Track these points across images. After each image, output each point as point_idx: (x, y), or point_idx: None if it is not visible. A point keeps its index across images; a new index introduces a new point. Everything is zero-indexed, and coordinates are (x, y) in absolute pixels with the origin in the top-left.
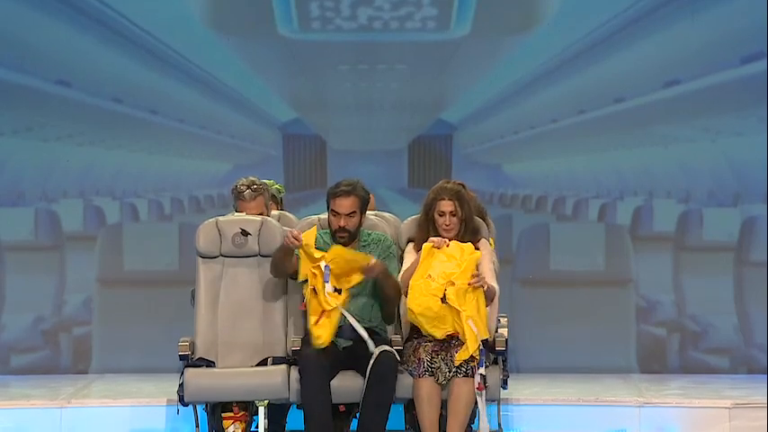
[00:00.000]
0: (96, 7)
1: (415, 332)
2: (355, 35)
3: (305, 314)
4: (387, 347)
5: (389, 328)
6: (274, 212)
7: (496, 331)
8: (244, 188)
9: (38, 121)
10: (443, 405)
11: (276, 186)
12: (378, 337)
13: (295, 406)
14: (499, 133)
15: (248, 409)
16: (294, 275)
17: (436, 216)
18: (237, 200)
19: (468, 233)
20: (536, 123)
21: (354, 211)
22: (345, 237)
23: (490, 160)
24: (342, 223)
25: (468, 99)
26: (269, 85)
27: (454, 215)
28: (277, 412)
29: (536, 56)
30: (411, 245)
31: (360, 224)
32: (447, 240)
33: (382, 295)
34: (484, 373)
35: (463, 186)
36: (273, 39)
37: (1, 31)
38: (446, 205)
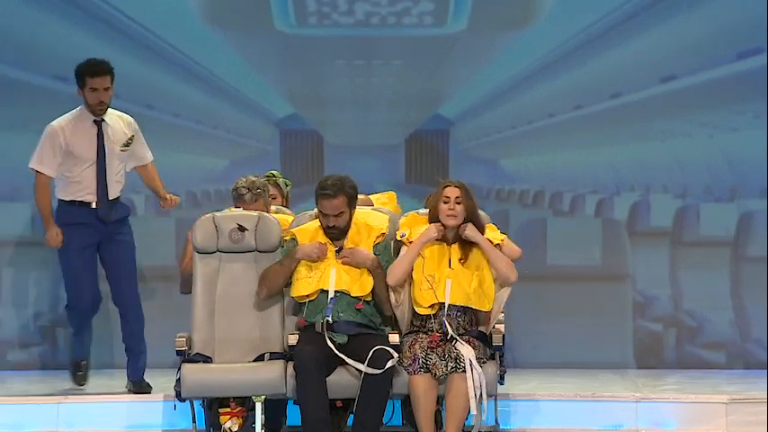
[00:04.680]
0: (92, 2)
1: (413, 328)
2: (352, 30)
3: (302, 310)
4: (382, 346)
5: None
6: (272, 207)
7: (493, 326)
8: (245, 191)
9: (34, 116)
10: (441, 400)
11: (283, 180)
12: (374, 334)
13: (292, 401)
14: (496, 128)
15: (245, 404)
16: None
17: (440, 205)
18: (238, 202)
19: (465, 245)
20: (533, 118)
21: (342, 211)
22: (336, 232)
23: (487, 155)
24: (330, 223)
25: (465, 94)
26: (266, 81)
27: (459, 203)
28: (274, 408)
29: (533, 51)
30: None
31: (350, 219)
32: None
33: (374, 290)
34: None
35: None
36: (270, 33)
37: None
38: (451, 191)
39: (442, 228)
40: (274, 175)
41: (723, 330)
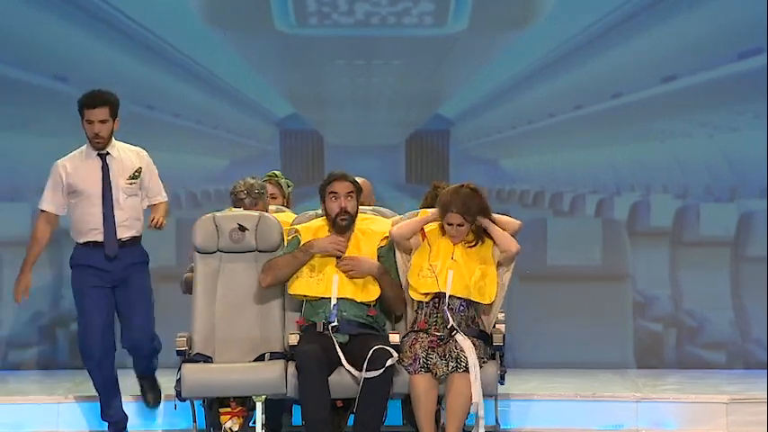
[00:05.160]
0: (92, 2)
1: (413, 327)
2: (352, 30)
3: (302, 309)
4: (383, 346)
5: (387, 324)
6: (271, 207)
7: (494, 326)
8: (243, 195)
9: (34, 116)
10: (441, 400)
11: (285, 180)
12: (375, 334)
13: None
14: (496, 128)
15: (246, 404)
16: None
17: (445, 225)
18: (237, 205)
19: (478, 234)
20: (533, 118)
21: (352, 192)
22: (347, 219)
23: (487, 155)
24: (343, 204)
25: (465, 94)
26: (266, 81)
27: (461, 226)
28: (275, 407)
29: (533, 51)
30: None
31: (357, 211)
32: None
33: (382, 295)
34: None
35: (475, 190)
36: (270, 34)
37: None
38: (453, 218)
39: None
40: (276, 176)
41: (723, 330)
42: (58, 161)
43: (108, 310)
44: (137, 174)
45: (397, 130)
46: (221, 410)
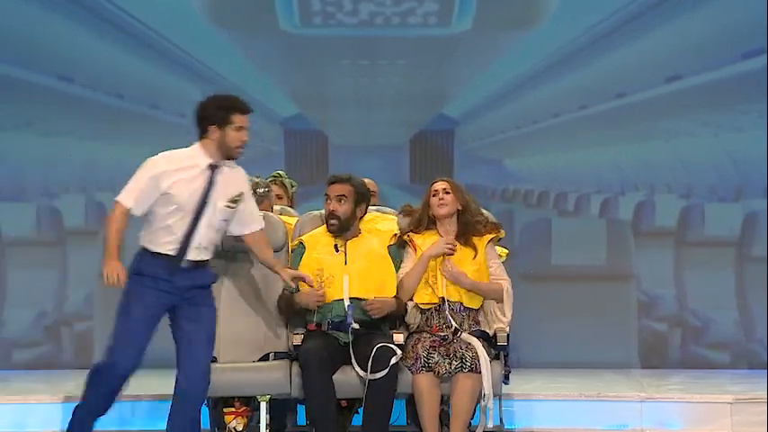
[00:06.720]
0: (96, 0)
1: (416, 328)
2: (357, 30)
3: (310, 313)
4: (386, 343)
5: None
6: (276, 207)
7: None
8: None
9: (39, 116)
10: (445, 400)
11: (289, 180)
12: (379, 333)
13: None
14: (501, 128)
15: (250, 404)
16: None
17: (431, 201)
18: None
19: (463, 224)
20: (538, 118)
21: (344, 196)
22: (336, 223)
23: (492, 155)
24: (331, 207)
25: (469, 94)
26: (270, 81)
27: (448, 192)
28: (279, 407)
29: (538, 51)
30: (409, 249)
31: (352, 215)
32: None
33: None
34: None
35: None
36: (275, 33)
37: (2, 27)
38: (438, 185)
39: (452, 246)
40: (281, 176)
41: (727, 330)
42: (161, 161)
43: (151, 334)
44: (238, 198)
45: (402, 130)
46: (225, 410)
